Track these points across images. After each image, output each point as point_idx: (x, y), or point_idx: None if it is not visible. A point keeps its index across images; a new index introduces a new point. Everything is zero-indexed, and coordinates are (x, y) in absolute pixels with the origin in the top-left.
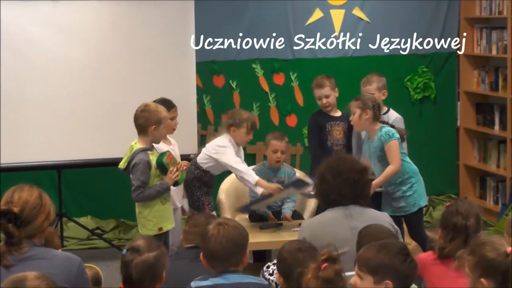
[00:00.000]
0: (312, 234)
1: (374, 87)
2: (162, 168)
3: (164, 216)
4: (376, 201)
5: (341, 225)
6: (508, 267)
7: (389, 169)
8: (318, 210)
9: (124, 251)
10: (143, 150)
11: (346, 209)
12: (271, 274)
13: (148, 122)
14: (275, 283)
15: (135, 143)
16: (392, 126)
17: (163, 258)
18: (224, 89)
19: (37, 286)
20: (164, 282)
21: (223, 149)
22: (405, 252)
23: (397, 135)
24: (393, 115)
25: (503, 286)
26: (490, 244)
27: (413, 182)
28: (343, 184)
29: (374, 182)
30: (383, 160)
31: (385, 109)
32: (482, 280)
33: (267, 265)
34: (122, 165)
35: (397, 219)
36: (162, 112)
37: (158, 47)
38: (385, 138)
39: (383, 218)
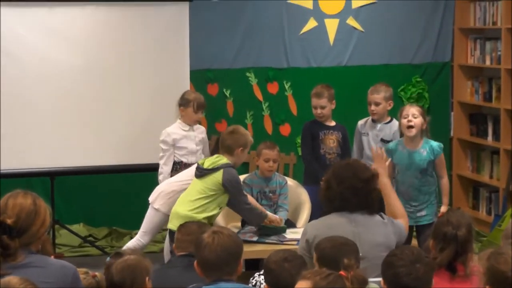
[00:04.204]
0: (316, 235)
1: (381, 96)
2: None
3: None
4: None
5: (344, 230)
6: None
7: (447, 183)
8: (311, 219)
9: (108, 258)
10: (232, 167)
11: (351, 214)
12: (254, 286)
13: (236, 144)
14: None
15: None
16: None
17: (146, 263)
18: (218, 97)
19: None
20: None
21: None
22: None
23: None
24: (395, 125)
25: None
26: (505, 257)
27: (436, 191)
28: (346, 192)
29: (443, 206)
30: (425, 172)
31: (388, 118)
32: (488, 287)
33: (252, 276)
34: (207, 166)
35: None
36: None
37: (152, 55)
38: (438, 151)
39: (389, 229)
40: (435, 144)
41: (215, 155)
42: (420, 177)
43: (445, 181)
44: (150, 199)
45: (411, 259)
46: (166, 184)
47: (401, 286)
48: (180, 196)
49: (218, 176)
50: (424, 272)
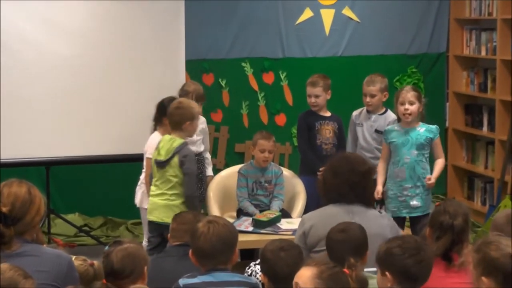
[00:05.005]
0: (312, 225)
1: (377, 88)
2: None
3: None
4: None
5: (341, 220)
6: (510, 269)
7: (442, 163)
8: (306, 209)
9: (107, 247)
10: (186, 144)
11: (348, 206)
12: (250, 275)
13: (183, 118)
14: (262, 283)
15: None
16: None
17: (144, 252)
18: (213, 87)
19: (11, 276)
20: (151, 280)
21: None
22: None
23: None
24: (390, 116)
25: (504, 286)
26: (496, 244)
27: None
28: (343, 185)
29: (433, 176)
30: (423, 149)
31: (383, 109)
32: (483, 278)
33: (248, 266)
34: (164, 157)
35: (400, 221)
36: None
37: (148, 45)
38: (436, 132)
39: (385, 221)
40: (432, 126)
41: (168, 138)
42: (415, 155)
43: (441, 160)
44: (136, 202)
45: (416, 248)
46: (140, 184)
47: (410, 276)
48: (151, 187)
49: (175, 160)
50: (429, 257)
